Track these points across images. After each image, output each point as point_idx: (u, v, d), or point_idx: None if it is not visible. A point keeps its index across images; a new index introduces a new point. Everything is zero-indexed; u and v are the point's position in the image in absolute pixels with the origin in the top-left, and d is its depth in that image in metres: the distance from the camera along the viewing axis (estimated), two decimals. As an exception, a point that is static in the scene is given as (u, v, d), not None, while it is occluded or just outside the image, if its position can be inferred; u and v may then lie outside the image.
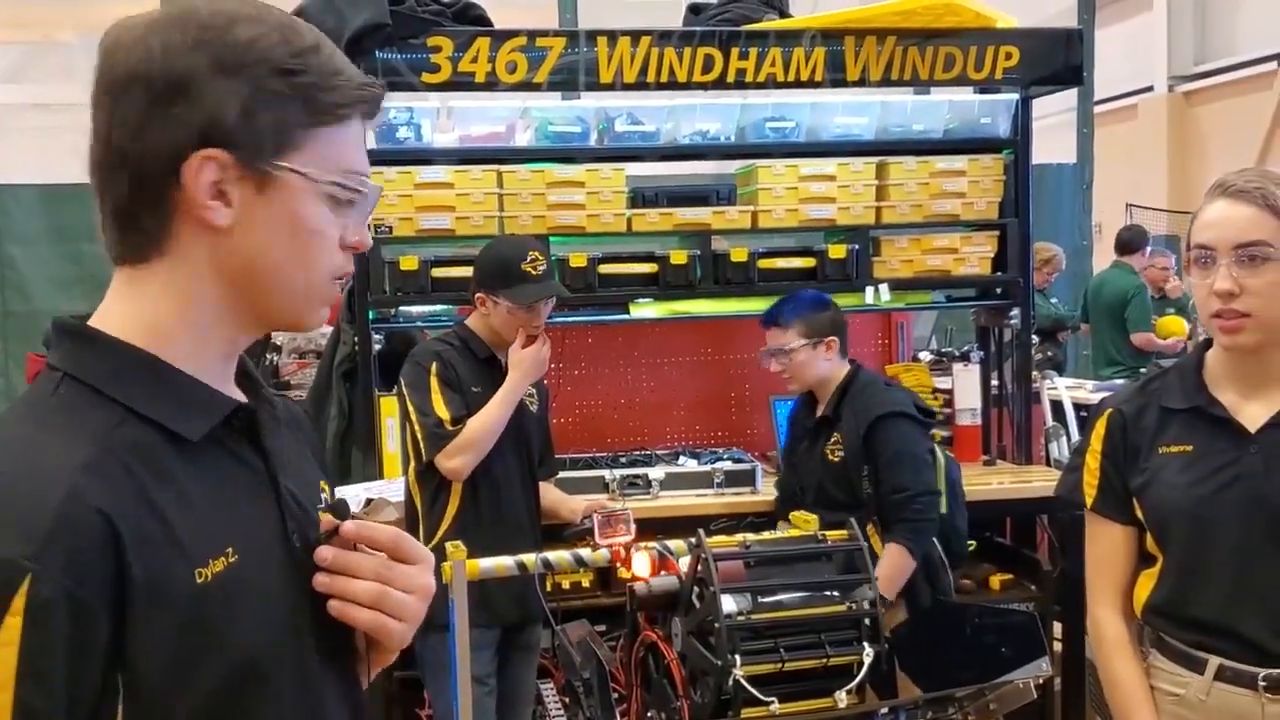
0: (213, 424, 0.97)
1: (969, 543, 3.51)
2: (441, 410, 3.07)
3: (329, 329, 4.19)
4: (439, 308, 3.89)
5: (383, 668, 1.15)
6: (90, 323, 0.98)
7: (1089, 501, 2.02)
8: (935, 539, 3.26)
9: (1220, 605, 1.86)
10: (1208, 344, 1.97)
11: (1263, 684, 1.81)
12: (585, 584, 3.61)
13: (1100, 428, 2.01)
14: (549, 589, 3.35)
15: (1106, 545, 2.01)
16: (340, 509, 1.06)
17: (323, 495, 1.13)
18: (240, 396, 1.04)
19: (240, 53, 0.94)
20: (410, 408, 3.13)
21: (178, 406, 0.96)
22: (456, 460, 3.07)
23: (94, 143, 0.96)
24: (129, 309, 0.98)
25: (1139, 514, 1.96)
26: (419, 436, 3.11)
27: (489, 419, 3.08)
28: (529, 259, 3.14)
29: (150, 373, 0.96)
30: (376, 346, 3.78)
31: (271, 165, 0.96)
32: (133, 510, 0.88)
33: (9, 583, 0.81)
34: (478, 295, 3.20)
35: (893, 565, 3.09)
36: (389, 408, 3.67)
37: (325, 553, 1.03)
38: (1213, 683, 1.85)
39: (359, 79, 1.01)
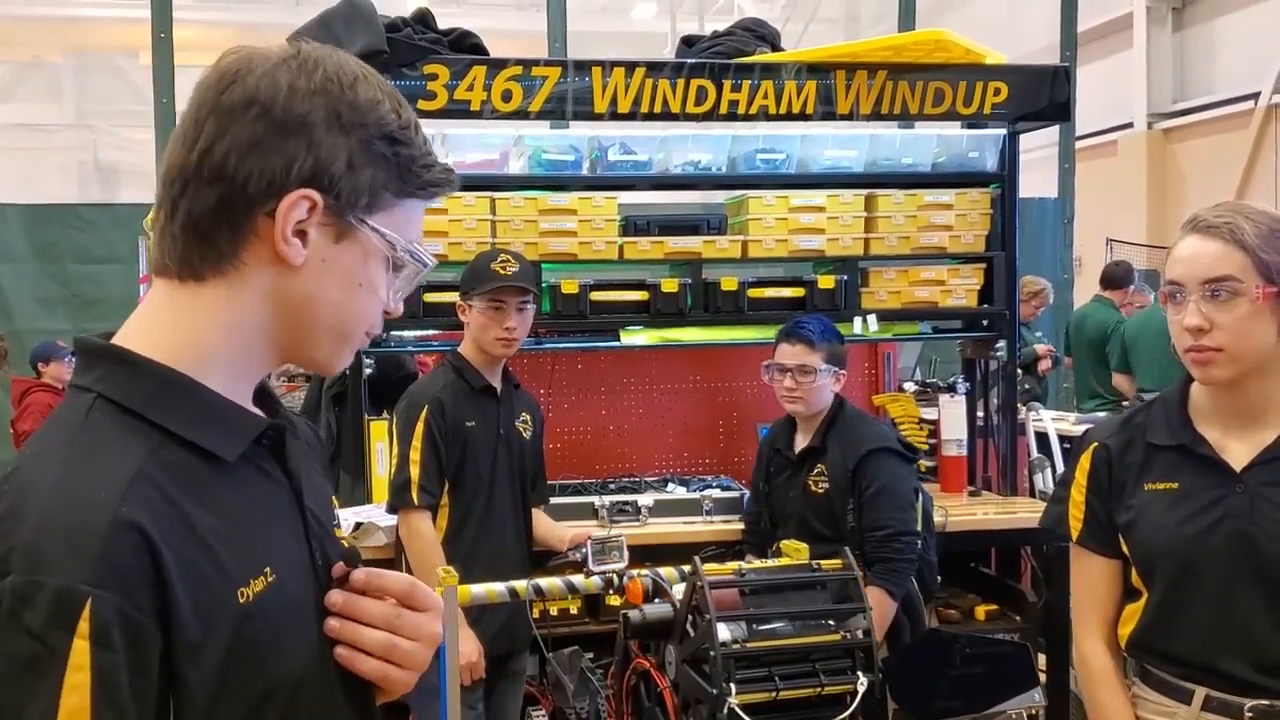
0: (247, 443, 0.99)
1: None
2: (414, 470, 3.08)
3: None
4: (430, 332, 3.88)
5: (384, 702, 1.17)
6: (116, 340, 0.99)
7: (1074, 535, 2.02)
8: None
9: (1201, 644, 1.86)
10: (1190, 378, 1.97)
11: (1249, 715, 1.82)
12: (574, 611, 3.60)
13: (1085, 462, 2.01)
14: (536, 615, 3.34)
15: (1092, 578, 2.02)
16: (353, 556, 1.08)
17: (335, 513, 1.16)
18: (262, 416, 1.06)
19: (358, 111, 0.99)
20: (394, 444, 3.16)
21: (214, 427, 0.97)
22: (402, 529, 3.12)
23: (181, 153, 0.98)
24: (168, 324, 0.99)
25: (1124, 550, 1.96)
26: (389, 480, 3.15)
27: (423, 565, 2.99)
28: (500, 260, 3.18)
29: (186, 395, 0.97)
30: (367, 371, 3.78)
31: (358, 220, 1.01)
32: (174, 534, 0.89)
33: (72, 608, 0.82)
34: (458, 305, 3.24)
35: (876, 611, 3.08)
36: (379, 432, 3.66)
37: (335, 597, 1.05)
38: (1200, 713, 1.86)
39: (443, 164, 1.07)
